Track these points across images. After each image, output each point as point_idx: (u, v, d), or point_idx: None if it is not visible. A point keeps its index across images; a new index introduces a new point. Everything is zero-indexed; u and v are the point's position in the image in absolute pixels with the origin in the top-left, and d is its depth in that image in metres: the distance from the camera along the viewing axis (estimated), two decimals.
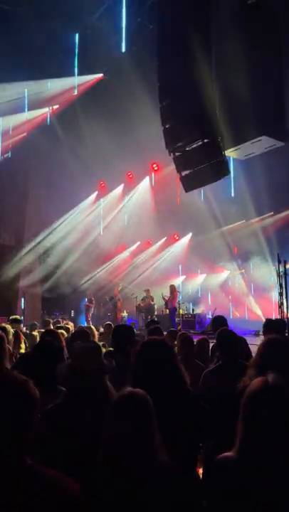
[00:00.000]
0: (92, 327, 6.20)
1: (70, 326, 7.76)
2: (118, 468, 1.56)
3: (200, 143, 9.91)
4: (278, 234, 14.27)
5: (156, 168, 16.93)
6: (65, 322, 8.23)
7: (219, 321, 5.07)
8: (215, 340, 4.91)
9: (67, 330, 6.00)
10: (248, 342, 4.66)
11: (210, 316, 15.28)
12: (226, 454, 1.66)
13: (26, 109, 15.38)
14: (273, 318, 11.39)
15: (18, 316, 8.38)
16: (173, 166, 10.86)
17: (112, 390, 2.12)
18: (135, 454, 1.56)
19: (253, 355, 4.46)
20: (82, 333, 4.43)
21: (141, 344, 2.46)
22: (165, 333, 6.82)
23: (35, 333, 7.04)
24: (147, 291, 15.97)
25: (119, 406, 1.63)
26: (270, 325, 4.92)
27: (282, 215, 14.85)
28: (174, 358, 2.40)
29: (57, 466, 1.57)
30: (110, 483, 1.57)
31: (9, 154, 16.21)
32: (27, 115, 15.62)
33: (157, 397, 1.71)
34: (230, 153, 10.65)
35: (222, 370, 3.35)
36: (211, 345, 5.07)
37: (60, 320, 10.51)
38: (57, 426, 2.00)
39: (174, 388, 2.24)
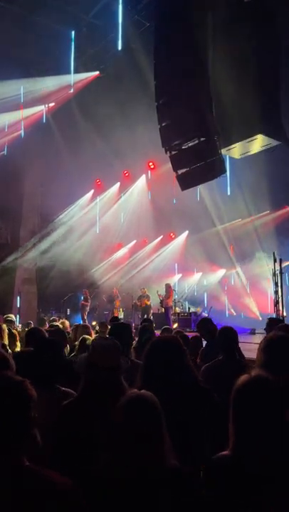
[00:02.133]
0: (88, 325, 6.19)
1: (66, 324, 7.75)
2: (125, 470, 1.54)
3: (196, 141, 9.91)
4: (274, 232, 14.31)
5: (152, 167, 16.92)
6: (61, 321, 8.21)
7: (206, 322, 5.15)
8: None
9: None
10: (245, 340, 4.69)
11: (206, 314, 15.32)
12: (221, 453, 1.66)
13: (22, 107, 15.31)
14: (270, 316, 11.43)
15: (11, 315, 8.50)
16: (169, 165, 10.84)
17: (127, 389, 2.12)
18: (144, 457, 1.53)
19: (247, 353, 4.50)
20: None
21: (152, 342, 2.44)
22: (159, 331, 6.85)
23: None
24: (143, 290, 15.98)
25: (128, 408, 1.61)
26: (273, 323, 4.94)
27: (278, 213, 14.90)
28: (185, 355, 2.38)
29: (72, 463, 1.56)
30: (115, 485, 1.55)
31: (5, 152, 16.14)
32: (23, 113, 15.55)
33: (170, 395, 1.70)
34: (227, 152, 10.65)
35: (220, 367, 3.36)
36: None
37: (56, 318, 10.48)
38: (73, 421, 1.99)
39: (186, 385, 2.23)
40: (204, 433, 2.18)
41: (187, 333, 5.89)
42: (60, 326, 6.86)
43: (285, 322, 10.27)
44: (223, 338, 3.57)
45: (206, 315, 15.00)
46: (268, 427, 1.52)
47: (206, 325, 5.05)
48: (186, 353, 2.37)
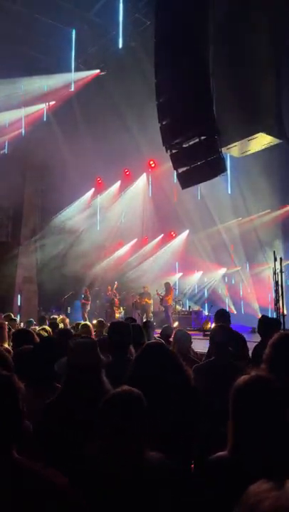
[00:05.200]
0: (89, 324, 6.20)
1: (67, 321, 7.77)
2: (108, 465, 1.56)
3: (197, 140, 9.89)
4: (274, 231, 14.30)
5: (153, 165, 16.91)
6: (61, 317, 8.22)
7: (222, 315, 5.04)
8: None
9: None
10: (246, 339, 4.68)
11: (206, 313, 15.32)
12: (218, 453, 1.65)
13: (23, 105, 15.30)
14: (269, 315, 11.44)
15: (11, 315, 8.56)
16: (170, 163, 10.84)
17: (108, 385, 2.12)
18: (125, 451, 1.56)
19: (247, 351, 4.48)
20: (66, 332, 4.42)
21: (144, 346, 2.45)
22: (159, 330, 6.87)
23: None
24: (146, 287, 16.02)
25: (111, 404, 1.63)
26: (266, 323, 4.92)
27: (279, 212, 14.87)
28: (175, 359, 2.39)
29: (54, 460, 1.57)
30: (100, 480, 1.57)
31: (5, 150, 16.15)
32: (23, 111, 15.54)
33: (156, 395, 1.70)
34: (227, 151, 10.63)
35: (211, 367, 3.33)
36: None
37: (56, 317, 10.49)
38: (55, 420, 2.00)
39: (174, 386, 2.24)
40: (193, 432, 2.19)
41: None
42: (61, 323, 6.88)
43: (286, 320, 10.31)
44: (212, 337, 3.48)
45: (206, 314, 15.03)
46: (268, 428, 1.50)
47: (222, 318, 4.97)
48: (176, 355, 2.39)
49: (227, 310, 15.58)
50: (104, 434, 1.60)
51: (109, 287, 16.66)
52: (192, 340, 4.91)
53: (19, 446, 1.51)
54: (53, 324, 6.44)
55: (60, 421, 1.98)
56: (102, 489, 1.56)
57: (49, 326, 6.08)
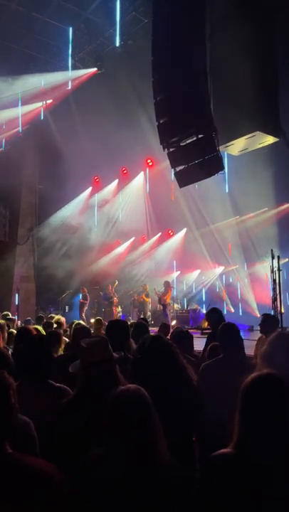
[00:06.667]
0: (84, 323, 6.20)
1: (62, 320, 7.76)
2: (117, 468, 1.52)
3: (194, 138, 9.88)
4: (272, 229, 14.31)
5: (150, 164, 16.90)
6: (57, 317, 8.20)
7: (216, 313, 5.03)
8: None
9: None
10: (243, 337, 4.67)
11: (204, 312, 15.33)
12: (222, 450, 1.63)
13: (20, 104, 15.26)
14: (269, 313, 11.44)
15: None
16: (167, 162, 10.83)
17: (123, 380, 2.12)
18: (136, 453, 1.52)
19: (246, 350, 4.47)
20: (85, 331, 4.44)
21: (143, 342, 2.44)
22: (157, 328, 6.86)
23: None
24: (145, 286, 16.04)
25: (118, 403, 1.60)
26: (268, 320, 4.92)
27: (276, 210, 14.89)
28: (176, 355, 2.38)
29: (71, 458, 1.56)
30: (108, 483, 1.52)
31: (2, 148, 16.12)
32: (20, 110, 15.50)
33: (158, 394, 1.69)
34: (225, 149, 10.64)
35: (221, 365, 3.29)
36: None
37: (53, 316, 10.47)
38: (73, 418, 2.00)
39: (176, 385, 2.23)
40: (193, 433, 2.18)
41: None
42: (55, 325, 6.87)
43: (284, 319, 10.31)
44: (223, 335, 3.43)
45: (204, 313, 15.04)
46: (277, 425, 1.51)
47: (217, 317, 4.93)
48: (178, 354, 2.38)
49: (224, 308, 15.54)
50: (112, 436, 1.56)
51: (110, 286, 16.66)
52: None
53: (18, 445, 1.50)
54: (48, 324, 6.43)
55: (77, 421, 1.97)
56: (109, 496, 1.50)
57: (43, 325, 6.09)
